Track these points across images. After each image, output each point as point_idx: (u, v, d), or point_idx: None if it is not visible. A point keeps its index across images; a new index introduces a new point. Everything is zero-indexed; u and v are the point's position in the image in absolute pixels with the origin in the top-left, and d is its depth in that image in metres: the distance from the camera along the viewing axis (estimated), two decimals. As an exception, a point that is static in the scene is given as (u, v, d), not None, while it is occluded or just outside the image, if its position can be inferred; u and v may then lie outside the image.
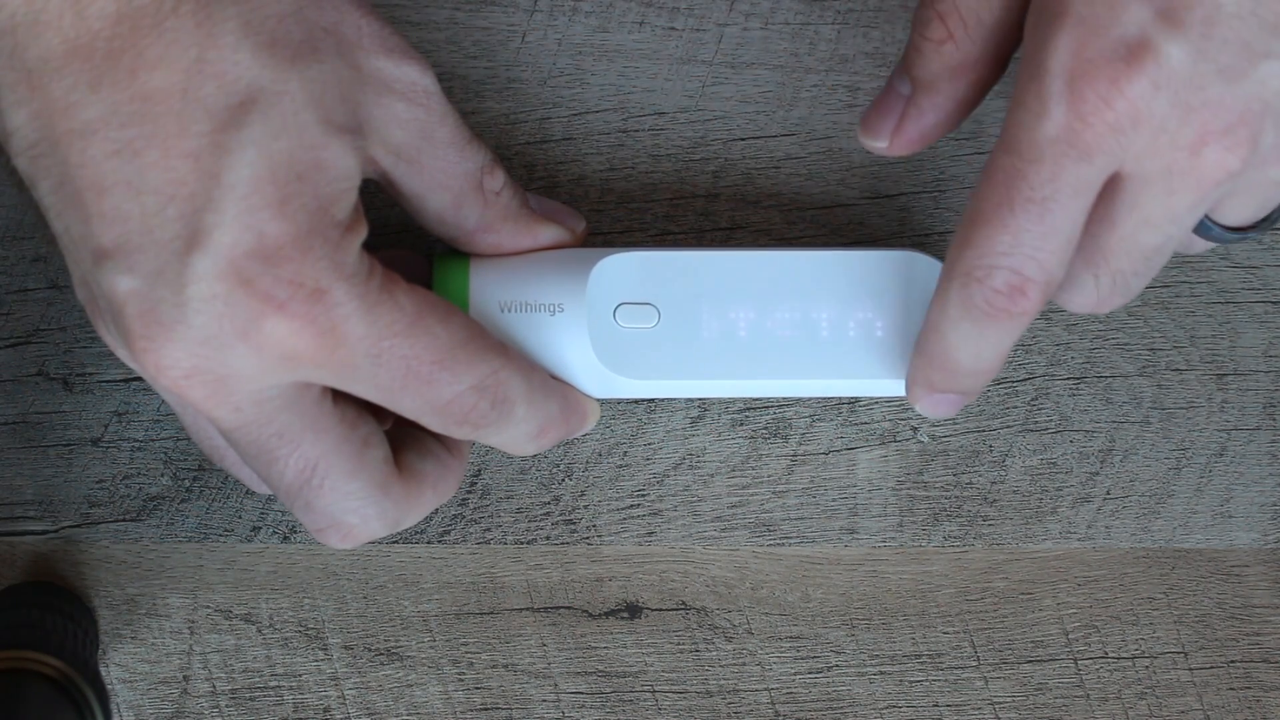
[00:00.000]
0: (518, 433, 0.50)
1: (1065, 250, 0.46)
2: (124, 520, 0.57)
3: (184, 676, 0.57)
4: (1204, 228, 0.49)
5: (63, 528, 0.57)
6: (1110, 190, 0.46)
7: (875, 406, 0.57)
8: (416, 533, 0.57)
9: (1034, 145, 0.45)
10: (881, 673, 0.58)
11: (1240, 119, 0.45)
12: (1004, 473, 0.57)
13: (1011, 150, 0.46)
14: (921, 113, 0.50)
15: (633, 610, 0.57)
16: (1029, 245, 0.46)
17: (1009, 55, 0.49)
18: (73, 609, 0.55)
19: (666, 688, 0.57)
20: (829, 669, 0.57)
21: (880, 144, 0.51)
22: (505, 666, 0.57)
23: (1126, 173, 0.46)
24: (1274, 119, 0.46)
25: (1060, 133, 0.45)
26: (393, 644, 0.57)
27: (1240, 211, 0.49)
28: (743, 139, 0.57)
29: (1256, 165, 0.46)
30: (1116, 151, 0.45)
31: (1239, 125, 0.45)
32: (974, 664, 0.58)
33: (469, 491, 0.57)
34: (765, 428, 0.57)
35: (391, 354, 0.46)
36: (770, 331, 0.53)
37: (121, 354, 0.47)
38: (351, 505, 0.49)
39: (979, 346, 0.48)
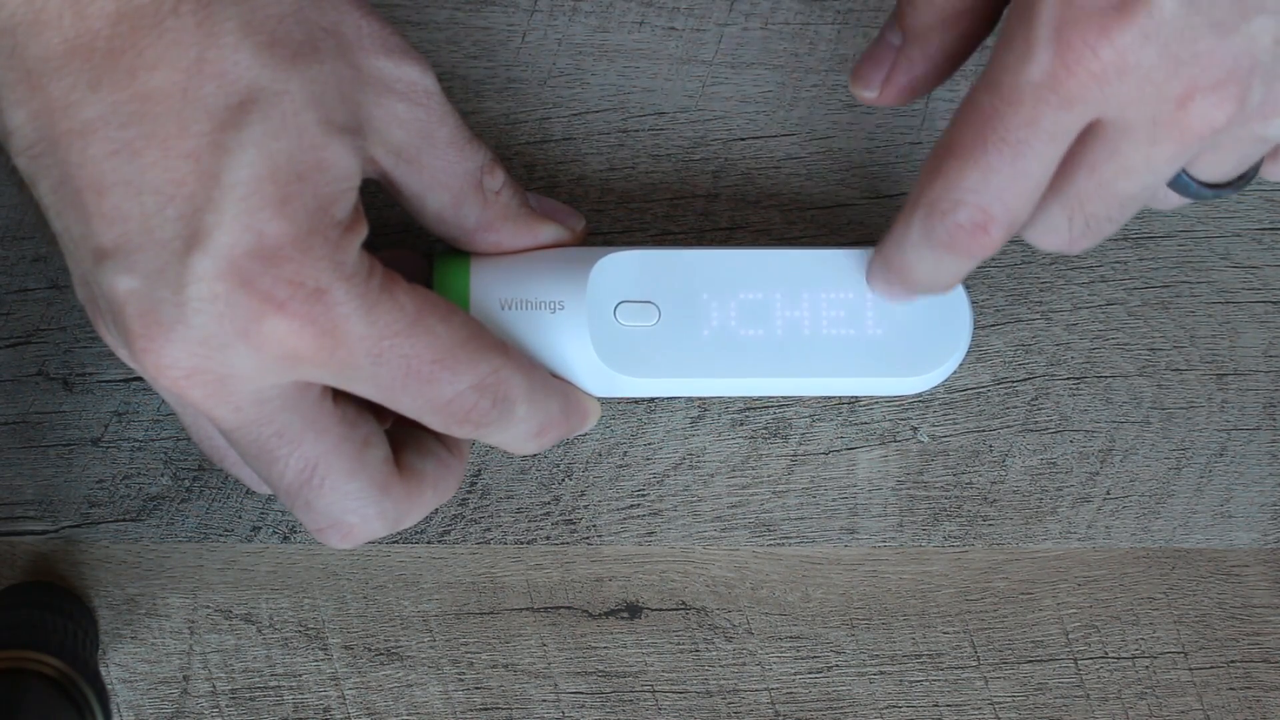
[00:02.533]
0: (518, 432, 0.50)
1: (1033, 193, 0.46)
2: (124, 520, 0.57)
3: (184, 676, 0.57)
4: (1180, 183, 0.49)
5: (63, 528, 0.57)
6: (1091, 135, 0.46)
7: (875, 406, 0.57)
8: (416, 533, 0.57)
9: (1015, 88, 0.45)
10: (881, 673, 0.57)
11: (1230, 74, 0.45)
12: (1004, 473, 0.57)
13: (992, 89, 0.45)
14: (912, 63, 0.50)
15: (633, 610, 0.57)
16: (997, 185, 0.46)
17: (1001, 8, 0.49)
18: (73, 609, 0.55)
19: (666, 688, 0.57)
20: (829, 669, 0.57)
21: (870, 93, 0.50)
22: (505, 666, 0.57)
23: (1109, 119, 0.45)
24: (1263, 75, 0.45)
25: (1043, 78, 0.44)
26: (393, 644, 0.57)
27: (1219, 167, 0.48)
28: (743, 139, 0.57)
29: (1242, 121, 0.46)
30: (1099, 100, 0.45)
31: (1228, 81, 0.45)
32: (974, 664, 0.58)
33: (469, 491, 0.57)
34: (765, 428, 0.57)
35: (392, 353, 0.46)
36: (770, 331, 0.53)
37: (121, 354, 0.47)
38: (351, 505, 0.49)
39: (936, 270, 0.49)
